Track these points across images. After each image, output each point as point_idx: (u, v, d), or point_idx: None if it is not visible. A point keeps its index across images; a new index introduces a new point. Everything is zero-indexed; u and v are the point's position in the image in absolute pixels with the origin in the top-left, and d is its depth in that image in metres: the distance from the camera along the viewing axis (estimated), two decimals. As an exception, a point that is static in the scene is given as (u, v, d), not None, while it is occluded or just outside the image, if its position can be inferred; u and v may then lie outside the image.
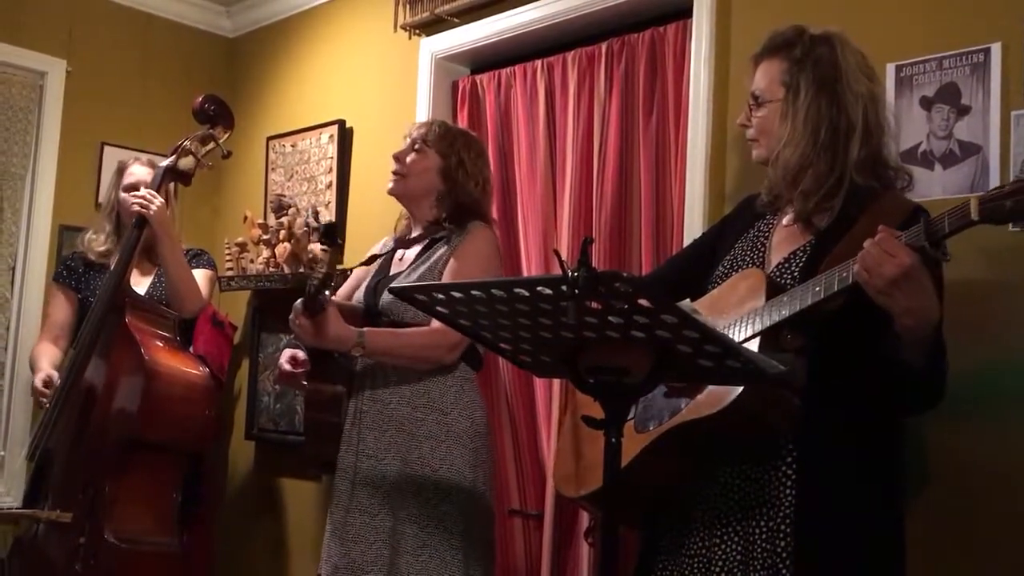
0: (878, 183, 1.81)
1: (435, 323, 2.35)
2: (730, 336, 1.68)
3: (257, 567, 3.89)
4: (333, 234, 2.28)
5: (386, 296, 2.48)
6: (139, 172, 3.28)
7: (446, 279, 2.41)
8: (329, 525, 2.51)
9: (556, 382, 2.95)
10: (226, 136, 3.20)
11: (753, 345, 1.65)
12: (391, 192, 2.62)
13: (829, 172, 1.79)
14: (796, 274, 1.76)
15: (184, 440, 2.98)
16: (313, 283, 2.24)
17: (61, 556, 2.86)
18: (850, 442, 1.69)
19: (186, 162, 3.14)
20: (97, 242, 3.29)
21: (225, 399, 4.02)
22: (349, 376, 2.54)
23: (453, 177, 2.56)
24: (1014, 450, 2.00)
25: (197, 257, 3.37)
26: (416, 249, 2.59)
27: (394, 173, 2.60)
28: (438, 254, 2.50)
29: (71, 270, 3.32)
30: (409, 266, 2.55)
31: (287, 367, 2.51)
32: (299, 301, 2.31)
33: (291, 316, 2.35)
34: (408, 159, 2.59)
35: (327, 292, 2.25)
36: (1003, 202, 1.41)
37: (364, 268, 2.73)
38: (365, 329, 2.36)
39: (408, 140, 2.63)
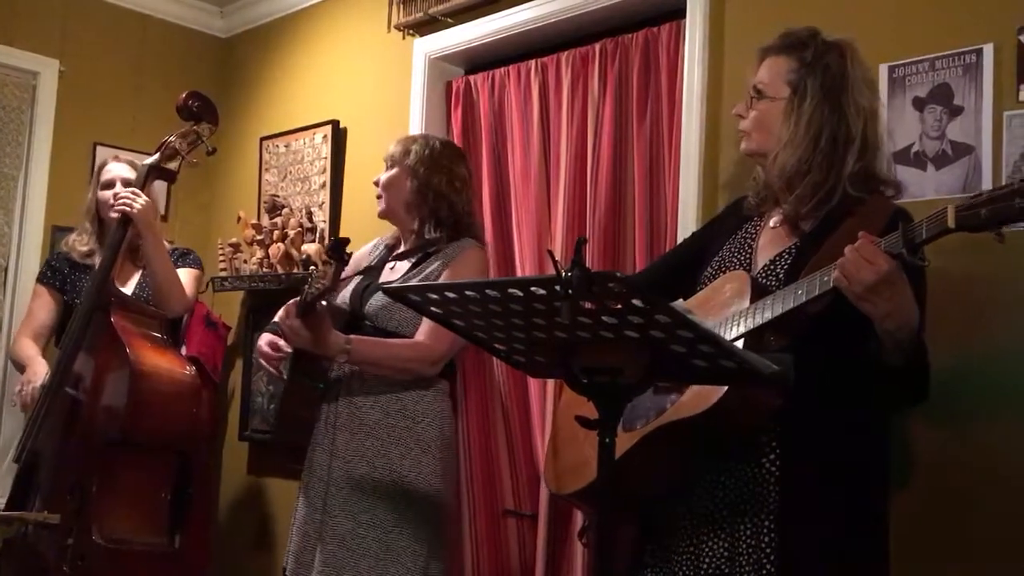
0: (867, 194, 1.82)
1: (420, 335, 2.47)
2: (718, 336, 1.69)
3: (251, 568, 3.88)
4: (341, 250, 2.29)
5: (372, 303, 2.54)
6: (116, 169, 3.26)
7: None
8: (297, 521, 2.58)
9: (550, 382, 2.95)
10: (211, 132, 3.18)
11: (737, 346, 1.66)
12: (380, 216, 2.73)
13: (824, 181, 1.80)
14: (781, 276, 1.79)
15: (170, 439, 2.97)
16: (312, 292, 2.26)
17: (50, 558, 2.85)
18: (832, 440, 1.72)
19: (171, 160, 3.13)
20: (80, 242, 3.28)
21: (218, 400, 4.01)
22: (326, 376, 2.59)
23: (419, 178, 2.64)
24: (999, 446, 2.02)
25: (184, 256, 3.35)
26: (409, 262, 2.64)
27: (377, 197, 2.72)
28: (432, 267, 2.57)
29: (55, 271, 3.30)
30: (401, 277, 2.60)
31: (266, 349, 2.57)
32: (293, 303, 2.35)
33: (281, 315, 2.41)
34: (382, 179, 2.71)
35: (323, 302, 2.29)
36: (979, 211, 1.44)
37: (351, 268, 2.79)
38: (352, 337, 2.42)
39: (385, 163, 2.75)
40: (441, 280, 2.51)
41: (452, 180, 2.67)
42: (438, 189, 2.64)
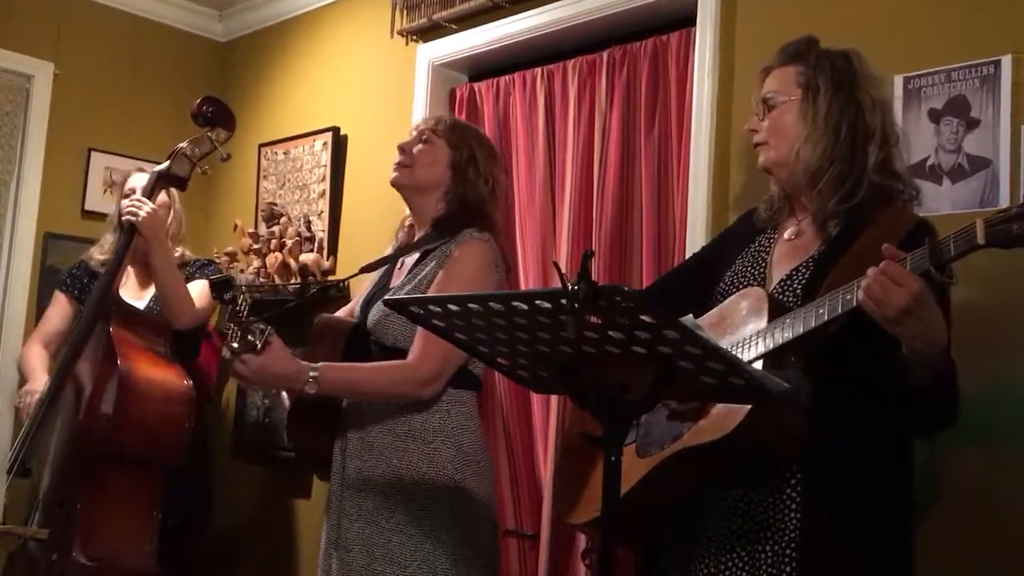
0: (889, 191, 1.82)
1: (411, 354, 2.27)
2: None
3: (243, 587, 3.88)
4: (220, 290, 2.13)
5: (373, 313, 2.38)
6: (135, 180, 3.28)
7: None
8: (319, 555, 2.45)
9: (554, 399, 2.94)
10: (226, 139, 3.17)
11: (757, 367, 1.65)
12: (394, 182, 2.47)
13: (848, 172, 1.80)
14: (798, 291, 1.77)
15: (160, 454, 2.96)
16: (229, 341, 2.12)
17: (39, 573, 2.85)
18: (855, 465, 1.70)
19: (181, 166, 3.12)
20: (99, 251, 3.32)
21: (212, 413, 4.01)
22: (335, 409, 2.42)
23: (463, 172, 2.43)
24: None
25: (203, 268, 3.37)
26: (412, 259, 2.48)
27: (398, 164, 2.46)
28: (427, 268, 2.39)
29: (76, 279, 3.34)
30: (404, 279, 2.44)
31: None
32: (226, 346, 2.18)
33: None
34: (415, 149, 2.45)
35: (261, 332, 2.10)
36: (1010, 226, 1.42)
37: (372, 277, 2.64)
38: (321, 364, 2.22)
39: (415, 132, 2.51)
40: (435, 283, 2.33)
41: (494, 185, 2.48)
42: (477, 188, 2.44)
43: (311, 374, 2.17)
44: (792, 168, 1.86)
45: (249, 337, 2.09)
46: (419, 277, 2.38)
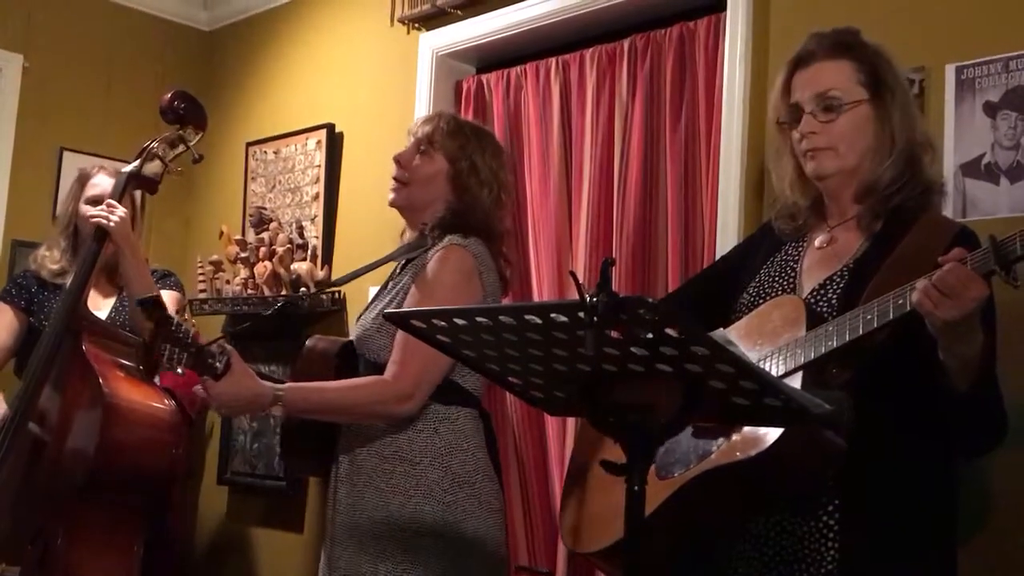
0: (928, 199, 1.85)
1: (387, 369, 2.29)
2: (767, 370, 1.69)
3: (229, 629, 3.88)
4: (149, 306, 2.15)
5: (355, 328, 2.44)
6: (105, 183, 3.28)
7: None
8: None
9: (570, 421, 2.94)
10: (198, 137, 3.19)
11: (796, 380, 1.66)
12: (393, 204, 2.50)
13: (903, 178, 1.82)
14: (833, 301, 1.79)
15: (149, 484, 2.96)
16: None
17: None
18: (899, 490, 1.71)
19: (152, 167, 3.12)
20: (51, 259, 3.29)
21: (195, 439, 4.02)
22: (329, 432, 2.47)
23: (464, 184, 2.43)
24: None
25: (164, 279, 3.36)
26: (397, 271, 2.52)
27: (395, 180, 2.47)
28: (405, 279, 2.41)
29: (22, 288, 3.31)
30: (386, 290, 2.48)
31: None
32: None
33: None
34: (413, 163, 2.46)
35: (220, 354, 2.16)
36: None
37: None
38: (287, 385, 2.28)
39: (412, 139, 2.50)
40: (409, 296, 2.35)
41: (499, 190, 2.47)
42: (480, 200, 2.42)
43: (277, 394, 2.23)
44: (860, 178, 1.86)
45: (209, 361, 2.15)
46: (397, 288, 2.41)
